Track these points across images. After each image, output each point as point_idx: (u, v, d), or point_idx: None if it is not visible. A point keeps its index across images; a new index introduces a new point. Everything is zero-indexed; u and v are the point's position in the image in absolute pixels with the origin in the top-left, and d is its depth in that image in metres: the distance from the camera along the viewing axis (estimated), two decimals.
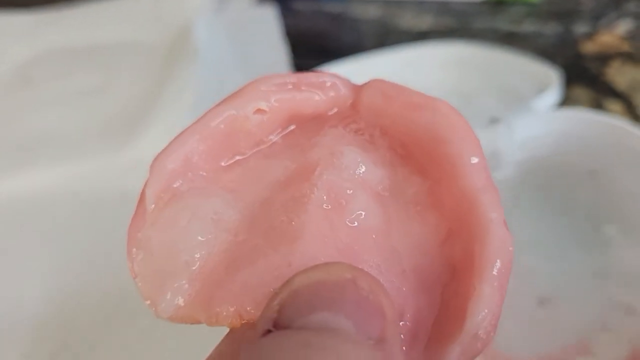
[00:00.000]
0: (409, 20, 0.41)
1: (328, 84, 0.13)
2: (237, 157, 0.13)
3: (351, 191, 0.12)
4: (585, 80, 0.34)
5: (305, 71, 0.13)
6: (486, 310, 0.10)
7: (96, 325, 0.25)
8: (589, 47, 0.37)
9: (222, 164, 0.13)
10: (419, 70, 0.34)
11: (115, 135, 0.33)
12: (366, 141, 0.13)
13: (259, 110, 0.13)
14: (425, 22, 0.41)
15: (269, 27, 0.40)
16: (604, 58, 0.36)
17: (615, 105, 0.33)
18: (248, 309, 0.11)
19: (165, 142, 0.35)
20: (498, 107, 0.29)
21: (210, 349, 0.12)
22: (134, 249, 0.12)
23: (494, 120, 0.24)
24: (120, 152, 0.32)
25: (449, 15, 0.41)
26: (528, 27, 0.39)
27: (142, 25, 0.41)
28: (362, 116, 0.13)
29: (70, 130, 0.34)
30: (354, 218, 0.12)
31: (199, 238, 0.12)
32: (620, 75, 0.35)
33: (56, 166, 0.32)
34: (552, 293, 0.21)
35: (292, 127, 0.13)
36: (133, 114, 0.34)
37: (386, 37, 0.40)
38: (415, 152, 0.13)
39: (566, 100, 0.33)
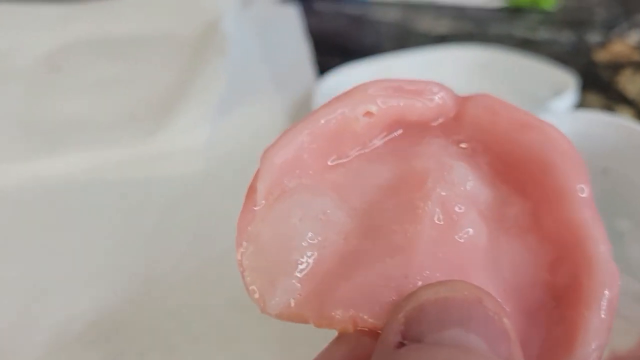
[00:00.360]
0: (427, 23, 0.42)
1: (434, 93, 0.13)
2: (341, 159, 0.13)
3: (462, 208, 0.12)
4: (597, 87, 0.36)
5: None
6: (597, 342, 0.10)
7: (127, 305, 0.26)
8: (602, 56, 0.38)
9: (329, 163, 0.13)
10: (438, 71, 0.35)
11: (143, 124, 0.34)
12: (468, 156, 0.13)
13: (367, 113, 0.13)
14: (443, 26, 0.42)
15: (292, 26, 0.42)
16: (616, 66, 0.37)
17: (626, 111, 0.34)
18: (364, 317, 0.11)
19: (192, 132, 0.36)
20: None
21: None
22: (245, 242, 0.12)
23: None
24: (147, 140, 0.33)
25: (466, 20, 0.42)
26: (543, 34, 0.41)
27: (170, 18, 0.42)
28: (464, 129, 0.13)
29: (99, 117, 0.35)
30: (462, 235, 0.12)
31: (310, 238, 0.12)
32: (631, 83, 0.36)
33: (85, 151, 0.33)
34: None
35: (396, 133, 0.13)
36: (161, 104, 0.35)
37: (405, 39, 0.41)
38: (516, 172, 0.12)
39: (579, 106, 0.34)
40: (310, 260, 0.12)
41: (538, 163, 0.12)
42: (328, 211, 0.12)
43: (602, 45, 0.39)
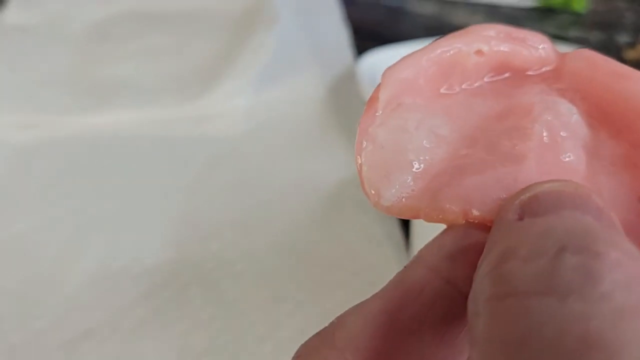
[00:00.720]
0: (462, 18, 0.44)
1: (538, 43, 0.14)
2: (450, 90, 0.14)
3: (565, 134, 0.13)
4: None
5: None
6: None
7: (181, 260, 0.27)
8: (631, 55, 0.40)
9: (440, 91, 0.14)
10: None
11: (189, 88, 0.36)
12: (568, 100, 0.14)
13: (479, 52, 0.14)
14: (477, 21, 0.44)
15: (332, 11, 0.43)
16: None
17: None
18: (475, 210, 0.12)
19: (235, 97, 0.37)
20: None
21: None
22: (364, 142, 0.13)
23: None
24: (193, 103, 0.34)
25: (499, 18, 0.44)
26: (574, 33, 0.42)
27: None
28: (564, 79, 0.14)
29: (146, 81, 0.37)
30: (565, 157, 0.13)
31: (424, 143, 0.13)
32: None
33: (132, 109, 0.34)
34: None
35: (501, 76, 0.14)
36: (207, 71, 0.37)
37: (440, 32, 0.43)
38: (612, 118, 0.13)
39: None
40: (424, 162, 0.13)
41: (634, 110, 0.13)
42: (440, 127, 0.13)
43: (632, 45, 0.41)
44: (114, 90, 0.36)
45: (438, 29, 0.43)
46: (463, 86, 0.14)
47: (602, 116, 0.14)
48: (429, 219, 0.12)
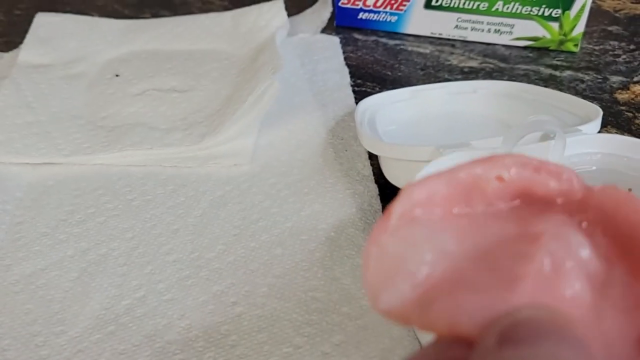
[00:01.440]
0: (459, 59, 0.45)
1: (565, 176, 0.15)
2: (468, 210, 0.15)
3: (571, 265, 0.13)
4: (619, 125, 0.38)
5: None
6: None
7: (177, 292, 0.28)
8: (624, 96, 0.41)
9: (455, 211, 0.15)
10: (470, 100, 0.38)
11: (196, 129, 0.37)
12: (587, 234, 0.14)
13: (499, 178, 0.15)
14: (472, 60, 0.45)
15: (333, 52, 0.45)
16: (638, 106, 0.40)
17: None
18: (462, 325, 0.12)
19: (240, 139, 0.38)
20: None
21: None
22: (372, 246, 0.14)
23: (544, 138, 0.28)
24: (199, 144, 0.36)
25: (495, 57, 0.45)
26: (568, 73, 0.43)
27: (222, 38, 0.46)
28: (587, 212, 0.15)
29: (155, 121, 0.38)
30: (566, 288, 0.13)
31: (429, 256, 0.14)
32: None
33: (142, 149, 0.36)
34: None
35: (522, 203, 0.15)
36: (214, 113, 0.38)
37: (437, 70, 0.44)
38: (632, 256, 0.14)
39: None
40: (424, 274, 0.14)
41: None
42: (448, 243, 0.14)
43: (625, 86, 0.42)
44: (124, 130, 0.37)
45: (435, 67, 0.44)
46: (483, 208, 0.15)
47: (622, 252, 0.14)
48: (420, 327, 0.13)
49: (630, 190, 0.26)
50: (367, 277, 0.14)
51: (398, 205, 0.15)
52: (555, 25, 0.45)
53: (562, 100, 0.34)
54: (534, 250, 0.13)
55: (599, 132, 0.36)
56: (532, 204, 0.15)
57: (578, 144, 0.27)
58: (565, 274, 0.13)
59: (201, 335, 0.26)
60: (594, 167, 0.26)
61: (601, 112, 0.31)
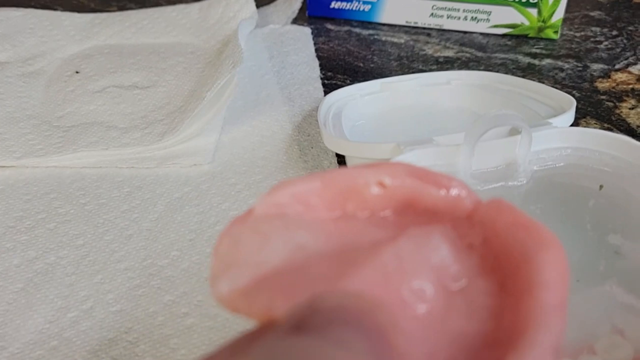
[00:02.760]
0: (434, 48, 0.44)
1: (453, 189, 0.15)
2: (343, 213, 0.15)
3: (418, 265, 0.13)
4: (598, 114, 0.36)
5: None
6: None
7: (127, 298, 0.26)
8: (605, 84, 0.39)
9: (328, 213, 0.15)
10: (444, 92, 0.36)
11: (156, 128, 0.35)
12: (464, 246, 0.14)
13: (380, 184, 0.14)
14: (448, 51, 0.43)
15: (303, 44, 0.43)
16: (619, 95, 0.38)
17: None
18: (277, 310, 0.12)
19: (201, 137, 0.37)
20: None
21: None
22: (225, 237, 0.14)
23: (514, 132, 0.26)
24: (158, 143, 0.34)
25: (471, 46, 0.44)
26: (547, 61, 0.42)
27: (190, 31, 0.44)
28: (472, 226, 0.14)
29: (115, 119, 0.36)
30: (407, 286, 0.13)
31: (280, 252, 0.13)
32: (634, 112, 0.37)
33: (98, 149, 0.34)
34: None
35: (404, 212, 0.15)
36: (175, 111, 0.37)
37: (412, 61, 0.43)
38: (503, 270, 0.13)
39: None
40: (269, 267, 0.13)
41: (524, 265, 0.13)
42: (309, 241, 0.14)
43: (606, 74, 0.40)
44: (81, 130, 0.36)
45: (409, 58, 0.43)
46: (363, 214, 0.15)
47: (497, 265, 0.14)
48: (247, 315, 0.13)
49: (601, 187, 0.25)
50: (212, 266, 0.13)
51: (267, 199, 0.14)
52: (533, 12, 0.43)
53: (536, 91, 0.33)
54: (384, 247, 0.13)
55: (577, 123, 0.35)
56: (419, 215, 0.15)
57: (547, 138, 0.25)
58: (410, 272, 0.13)
59: (148, 350, 0.24)
60: (561, 163, 0.25)
61: (574, 103, 0.29)
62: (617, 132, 0.35)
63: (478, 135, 0.23)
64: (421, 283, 0.13)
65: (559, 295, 0.12)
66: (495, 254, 0.14)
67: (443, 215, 0.15)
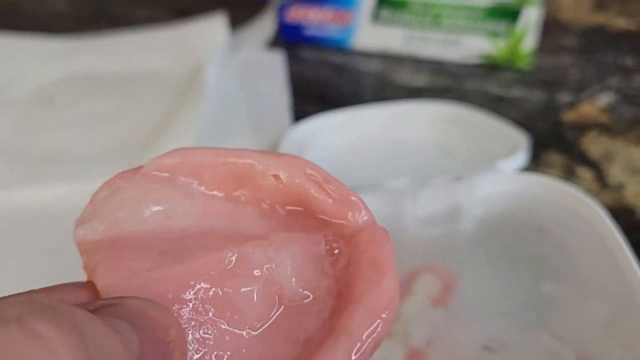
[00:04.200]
0: (406, 77, 0.44)
1: (344, 205, 0.14)
2: (234, 198, 0.15)
3: (256, 273, 0.13)
4: (561, 147, 0.37)
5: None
6: None
7: None
8: (570, 116, 0.40)
9: (219, 193, 0.15)
10: (407, 124, 0.37)
11: (124, 159, 0.36)
12: (328, 263, 0.14)
13: (276, 176, 0.14)
14: (420, 79, 0.44)
15: (275, 71, 0.44)
16: (582, 127, 0.39)
17: (586, 172, 0.35)
18: (96, 277, 0.13)
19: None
20: (471, 163, 0.32)
21: None
22: (107, 186, 0.14)
23: (458, 178, 0.26)
24: None
25: (443, 75, 0.44)
26: (516, 92, 0.42)
27: (162, 58, 0.45)
28: (347, 246, 0.14)
29: (84, 150, 0.37)
30: (235, 289, 0.13)
31: (145, 216, 0.14)
32: (595, 144, 0.37)
33: (66, 182, 0.35)
34: (495, 342, 0.23)
35: (293, 210, 0.15)
36: (143, 141, 0.37)
37: (383, 90, 0.43)
38: (343, 299, 0.14)
39: (540, 165, 0.35)
40: (126, 225, 0.14)
41: (357, 294, 0.13)
42: (182, 214, 0.14)
43: (572, 105, 0.41)
44: (50, 161, 0.36)
45: (380, 86, 0.43)
46: (252, 202, 0.15)
47: (344, 290, 0.14)
48: (84, 264, 0.14)
49: (541, 230, 0.25)
50: (84, 208, 0.14)
51: (154, 161, 0.14)
52: (502, 42, 0.43)
53: (494, 128, 0.33)
54: (234, 246, 0.13)
55: (539, 156, 0.36)
56: (307, 217, 0.15)
57: (491, 183, 0.26)
58: (244, 277, 0.13)
59: None
60: (504, 208, 0.26)
61: (525, 144, 0.30)
62: (578, 165, 0.35)
63: (422, 181, 0.24)
64: (247, 290, 0.13)
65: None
66: (347, 281, 0.14)
67: (328, 225, 0.14)
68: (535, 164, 0.35)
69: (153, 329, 0.11)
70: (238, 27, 0.48)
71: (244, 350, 0.13)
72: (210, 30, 0.45)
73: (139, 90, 0.42)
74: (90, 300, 0.13)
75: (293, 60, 0.46)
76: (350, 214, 0.14)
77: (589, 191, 0.34)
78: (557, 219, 0.25)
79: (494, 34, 0.43)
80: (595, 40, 0.47)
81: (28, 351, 0.09)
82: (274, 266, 0.13)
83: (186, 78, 0.42)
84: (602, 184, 0.34)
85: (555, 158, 0.36)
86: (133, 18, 0.52)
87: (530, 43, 0.43)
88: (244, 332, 0.13)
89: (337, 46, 0.47)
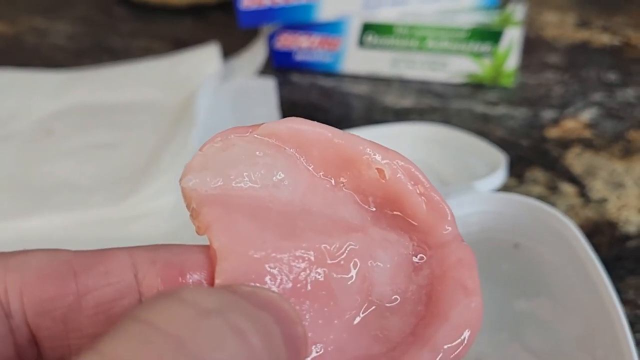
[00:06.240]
0: (393, 99, 0.45)
1: (441, 217, 0.15)
2: (339, 182, 0.15)
3: (357, 265, 0.14)
4: (544, 163, 0.38)
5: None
6: None
7: None
8: (553, 132, 0.41)
9: (321, 172, 0.15)
10: (392, 145, 0.38)
11: (120, 189, 0.37)
12: (412, 267, 0.15)
13: (380, 171, 0.15)
14: (407, 100, 0.45)
15: (267, 97, 0.45)
16: (566, 143, 0.40)
17: (569, 188, 0.36)
18: (218, 241, 0.13)
19: (159, 198, 0.38)
20: (453, 182, 0.33)
21: None
22: (218, 139, 0.14)
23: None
24: (121, 204, 0.36)
25: (430, 95, 0.45)
26: (501, 110, 0.43)
27: (157, 87, 0.46)
28: (432, 257, 0.15)
29: (83, 181, 0.38)
30: (336, 276, 0.14)
31: (255, 179, 0.14)
32: (578, 160, 0.38)
33: (66, 213, 0.36)
34: (471, 359, 0.23)
35: (387, 205, 0.15)
36: (138, 170, 0.39)
37: (371, 112, 0.44)
38: (436, 317, 0.14)
39: (524, 182, 0.36)
40: (239, 183, 0.14)
41: (440, 300, 0.14)
42: (285, 185, 0.14)
43: (555, 122, 0.42)
44: (51, 192, 0.38)
45: (369, 109, 0.45)
46: (350, 189, 0.15)
47: (427, 300, 0.14)
48: (192, 216, 0.14)
49: (516, 245, 0.26)
50: (194, 156, 0.14)
51: (270, 124, 0.15)
52: (487, 61, 0.45)
53: (473, 147, 0.34)
54: (341, 234, 0.14)
55: (522, 173, 0.36)
56: (397, 215, 0.15)
57: (468, 203, 0.27)
58: (346, 268, 0.14)
59: None
60: (481, 227, 0.26)
61: (504, 163, 0.31)
62: (561, 181, 0.36)
63: None
64: (346, 280, 0.13)
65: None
66: (430, 293, 0.14)
67: (415, 230, 0.15)
68: (519, 181, 0.36)
69: (288, 324, 0.12)
70: (231, 55, 0.50)
71: (332, 337, 0.13)
72: (204, 59, 0.46)
73: (134, 120, 0.43)
74: (230, 286, 0.13)
75: (284, 85, 0.47)
76: (439, 222, 0.15)
77: (572, 206, 0.34)
78: (532, 236, 0.25)
79: (478, 55, 0.44)
80: (579, 57, 0.48)
81: (231, 343, 0.10)
82: (374, 264, 0.14)
83: (180, 107, 0.44)
84: (585, 199, 0.35)
85: (538, 175, 0.37)
86: (130, 50, 0.54)
87: (513, 62, 0.44)
88: (335, 320, 0.13)
89: (327, 70, 0.48)
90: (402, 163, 0.15)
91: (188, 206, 0.14)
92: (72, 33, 0.57)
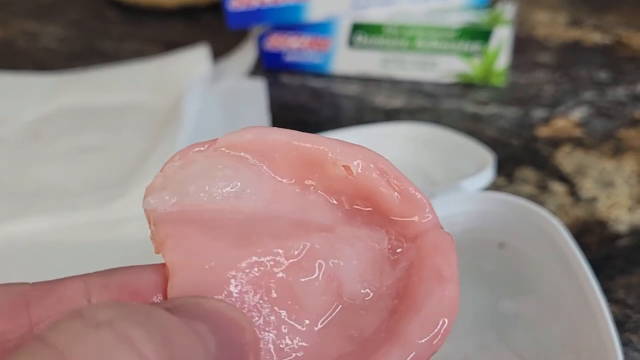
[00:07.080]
0: (383, 99, 0.45)
1: (417, 207, 0.14)
2: (302, 183, 0.15)
3: (320, 265, 0.13)
4: (535, 162, 0.38)
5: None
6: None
7: None
8: (544, 131, 0.40)
9: (287, 177, 0.15)
10: (382, 145, 0.37)
11: (108, 192, 0.37)
12: (389, 260, 0.14)
13: (347, 167, 0.14)
14: (398, 100, 0.45)
15: (257, 99, 0.45)
16: (556, 142, 0.39)
17: (559, 187, 0.36)
18: (166, 252, 0.13)
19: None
20: (442, 181, 0.33)
21: None
22: (178, 157, 0.14)
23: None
24: (108, 207, 0.36)
25: (420, 95, 0.45)
26: (491, 109, 0.43)
27: (147, 90, 0.46)
28: (410, 248, 0.14)
29: (71, 184, 0.38)
30: (297, 280, 0.13)
31: (215, 192, 0.14)
32: (568, 159, 0.38)
33: (53, 217, 0.36)
34: None
35: (359, 202, 0.15)
36: (126, 173, 0.38)
37: (362, 113, 0.44)
38: (407, 303, 0.13)
39: (514, 181, 0.36)
40: (196, 202, 0.14)
41: (421, 291, 0.13)
42: (248, 195, 0.14)
43: (546, 121, 0.41)
44: (38, 196, 0.37)
45: (359, 109, 0.44)
46: (319, 190, 0.15)
47: (403, 292, 0.14)
48: (151, 235, 0.14)
49: (501, 245, 0.26)
50: (155, 177, 0.14)
51: (227, 137, 0.14)
52: (477, 61, 0.44)
53: (463, 147, 0.34)
54: (302, 236, 0.13)
55: (512, 172, 0.36)
56: (370, 211, 0.15)
57: (454, 202, 0.26)
58: (309, 270, 0.13)
59: None
60: (467, 227, 0.26)
61: (491, 162, 0.31)
62: (551, 180, 0.36)
63: None
64: (310, 283, 0.13)
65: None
66: (407, 284, 0.14)
67: (392, 223, 0.14)
68: (509, 180, 0.36)
69: (229, 331, 0.12)
70: (220, 57, 0.49)
71: (300, 342, 0.13)
72: (193, 61, 0.46)
73: (123, 123, 0.43)
74: (167, 299, 0.13)
75: (274, 86, 0.47)
76: (415, 213, 0.14)
77: (562, 205, 0.34)
78: (518, 236, 0.25)
79: (468, 54, 0.44)
80: (570, 56, 0.48)
81: (117, 353, 0.10)
82: (339, 263, 0.14)
83: (168, 109, 0.43)
84: (575, 198, 0.35)
85: (529, 174, 0.37)
86: (122, 53, 0.54)
87: (503, 61, 0.44)
88: (302, 325, 0.13)
89: (317, 71, 0.48)
90: (369, 157, 0.14)
91: (149, 225, 0.14)
92: (63, 36, 0.57)
